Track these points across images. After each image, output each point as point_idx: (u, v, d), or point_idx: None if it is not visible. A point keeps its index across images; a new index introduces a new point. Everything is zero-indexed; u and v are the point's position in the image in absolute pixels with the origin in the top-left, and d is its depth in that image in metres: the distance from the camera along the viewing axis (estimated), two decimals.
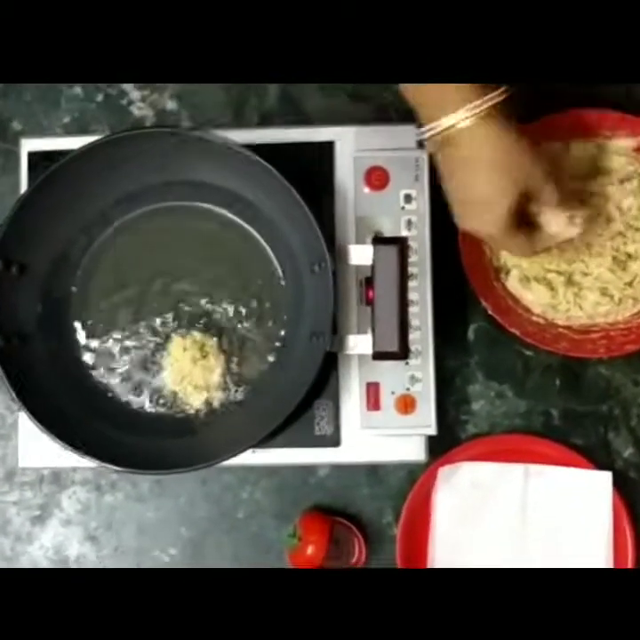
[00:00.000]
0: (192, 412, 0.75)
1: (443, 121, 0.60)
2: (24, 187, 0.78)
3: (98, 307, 0.77)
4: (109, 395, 0.76)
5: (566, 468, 0.77)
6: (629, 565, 0.76)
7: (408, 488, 0.79)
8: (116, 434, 0.74)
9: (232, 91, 0.84)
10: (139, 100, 0.85)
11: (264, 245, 0.76)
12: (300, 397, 0.68)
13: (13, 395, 0.70)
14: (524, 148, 0.61)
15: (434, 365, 0.73)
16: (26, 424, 0.74)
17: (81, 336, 0.77)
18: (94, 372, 0.76)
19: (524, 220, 0.65)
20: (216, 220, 0.76)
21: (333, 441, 0.75)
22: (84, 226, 0.76)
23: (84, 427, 0.73)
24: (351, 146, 0.76)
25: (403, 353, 0.63)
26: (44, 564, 0.82)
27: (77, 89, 0.86)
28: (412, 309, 0.71)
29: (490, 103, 0.59)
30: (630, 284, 0.76)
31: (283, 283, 0.76)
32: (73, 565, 0.82)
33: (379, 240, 0.64)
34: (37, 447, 0.75)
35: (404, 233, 0.74)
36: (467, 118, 0.59)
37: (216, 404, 0.75)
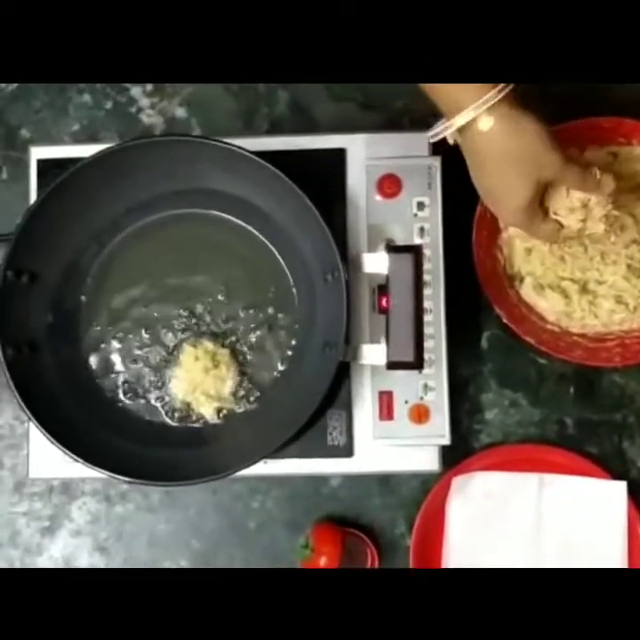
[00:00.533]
0: (203, 422, 0.75)
1: (456, 119, 0.60)
2: (33, 195, 0.78)
3: (108, 315, 0.76)
4: (120, 405, 0.76)
5: (581, 477, 0.77)
6: None
7: (421, 498, 0.78)
8: (126, 445, 0.73)
9: (242, 98, 0.84)
10: (148, 108, 0.85)
11: (276, 254, 0.75)
12: (313, 408, 0.68)
13: (22, 405, 0.69)
14: (535, 137, 0.61)
15: (447, 374, 0.73)
16: (36, 435, 0.73)
17: (91, 345, 0.76)
18: (104, 383, 0.76)
19: None
20: (227, 229, 0.76)
21: (346, 451, 0.74)
22: (95, 234, 0.76)
23: (94, 437, 0.73)
24: (363, 153, 0.76)
25: (418, 363, 0.63)
26: None
27: (86, 96, 0.85)
28: (426, 318, 0.70)
29: (495, 99, 0.59)
30: None
31: (295, 291, 0.75)
32: None
33: (393, 248, 0.64)
34: (48, 458, 0.75)
35: (416, 240, 0.73)
36: (475, 116, 0.59)
37: (228, 414, 0.75)
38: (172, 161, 0.72)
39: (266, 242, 0.76)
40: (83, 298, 0.76)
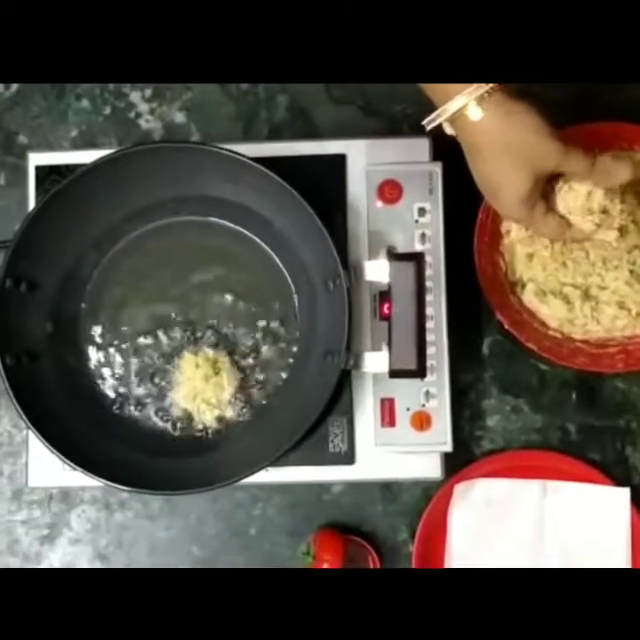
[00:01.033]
0: (204, 430, 0.74)
1: (446, 106, 0.59)
2: (32, 201, 0.78)
3: (108, 323, 0.76)
4: (119, 413, 0.75)
5: (583, 484, 0.76)
6: None
7: (423, 505, 0.78)
8: (126, 453, 0.73)
9: (241, 103, 0.83)
10: (147, 113, 0.84)
11: (277, 261, 0.75)
12: (314, 416, 0.67)
13: (22, 414, 0.68)
14: (529, 126, 0.59)
15: (449, 381, 0.72)
16: (35, 443, 0.73)
17: (90, 353, 0.76)
18: (104, 391, 0.75)
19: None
20: (228, 236, 0.75)
21: (348, 458, 0.74)
22: (94, 242, 0.75)
23: (94, 446, 0.72)
24: (363, 159, 0.75)
25: (421, 371, 0.62)
26: None
27: (85, 101, 0.85)
28: (427, 324, 0.70)
29: (483, 89, 0.58)
30: None
31: (296, 298, 0.75)
32: None
33: (395, 256, 0.63)
34: (47, 466, 0.74)
35: (417, 247, 0.73)
36: (464, 105, 0.58)
37: (229, 422, 0.74)
38: (173, 168, 0.72)
39: (266, 248, 0.75)
40: (82, 305, 0.76)
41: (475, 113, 0.58)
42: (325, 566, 0.75)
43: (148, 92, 0.84)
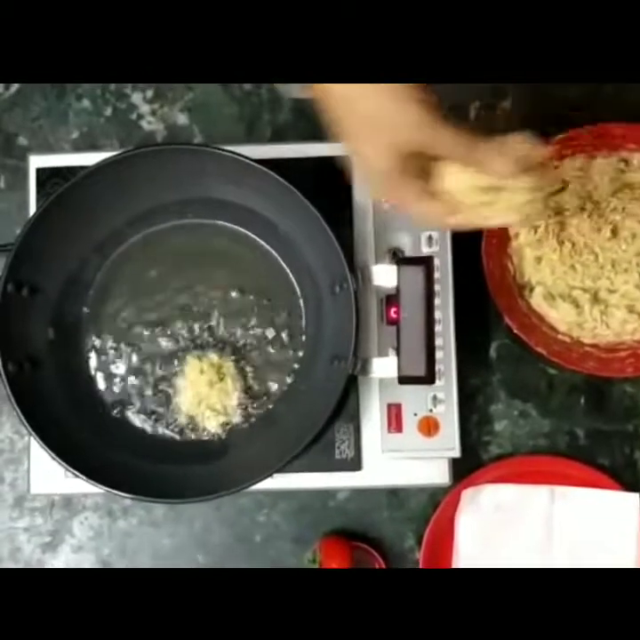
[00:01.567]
0: (209, 436, 0.73)
1: None
2: (32, 204, 0.77)
3: (110, 328, 0.75)
4: (123, 420, 0.74)
5: (592, 489, 0.75)
6: None
7: (430, 511, 0.77)
8: (130, 460, 0.72)
9: (244, 104, 0.82)
10: (149, 114, 0.83)
11: (282, 264, 0.74)
12: (321, 422, 0.66)
13: (24, 422, 0.67)
14: (391, 94, 0.53)
15: (457, 386, 0.71)
16: (37, 450, 0.72)
17: (93, 359, 0.75)
18: (107, 397, 0.74)
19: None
20: (233, 239, 0.74)
21: (354, 465, 0.73)
22: (97, 245, 0.74)
23: (97, 453, 0.71)
24: None
25: (430, 377, 0.61)
26: None
27: (85, 102, 0.84)
28: (435, 328, 0.69)
29: None
30: None
31: (302, 303, 0.74)
32: None
33: (404, 260, 0.62)
34: (49, 473, 0.74)
35: (424, 249, 0.72)
36: None
37: (234, 428, 0.73)
38: (176, 170, 0.70)
39: (271, 251, 0.74)
40: (85, 310, 0.75)
41: None
42: None
43: (150, 93, 0.83)
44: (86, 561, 0.80)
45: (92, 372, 0.74)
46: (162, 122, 0.83)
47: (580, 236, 0.74)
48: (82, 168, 0.69)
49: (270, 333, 0.74)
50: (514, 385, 0.79)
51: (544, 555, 0.76)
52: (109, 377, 0.75)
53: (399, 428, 0.72)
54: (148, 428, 0.74)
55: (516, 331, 0.72)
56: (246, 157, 0.67)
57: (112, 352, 0.75)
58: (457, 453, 0.72)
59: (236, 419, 0.73)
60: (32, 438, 0.72)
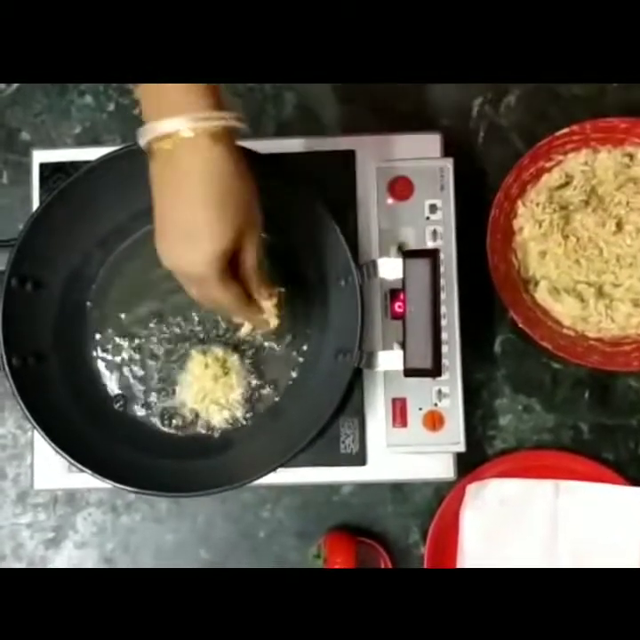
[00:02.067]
0: (213, 431, 0.73)
1: (165, 124, 0.51)
2: (36, 199, 0.76)
3: (114, 323, 0.74)
4: (127, 414, 0.74)
5: (597, 483, 0.75)
6: None
7: (434, 506, 0.77)
8: (134, 455, 0.71)
9: (248, 100, 0.82)
10: None
11: (287, 257, 0.74)
12: (326, 416, 0.66)
13: (28, 416, 0.67)
14: (249, 183, 0.54)
15: (462, 380, 0.71)
16: (41, 445, 0.72)
17: (97, 353, 0.74)
18: (111, 391, 0.74)
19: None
20: None
21: (359, 459, 0.73)
22: (101, 240, 0.74)
23: (101, 447, 0.71)
24: (373, 155, 0.74)
25: (436, 370, 0.61)
26: None
27: (88, 98, 0.83)
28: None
29: (224, 123, 0.52)
30: None
31: (306, 297, 0.73)
32: None
33: (410, 253, 0.62)
34: (53, 468, 0.74)
35: (429, 244, 0.72)
36: (195, 128, 0.51)
37: (238, 422, 0.73)
38: None
39: (276, 244, 0.74)
40: (88, 305, 0.74)
41: (201, 139, 0.51)
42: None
43: None
44: (89, 557, 0.80)
45: (96, 367, 0.74)
46: None
47: (584, 230, 0.74)
48: (85, 163, 0.69)
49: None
50: (518, 379, 0.79)
51: (549, 549, 0.75)
52: (113, 371, 0.74)
53: (404, 423, 0.72)
54: (152, 422, 0.74)
55: (521, 325, 0.72)
56: (251, 150, 0.67)
57: (116, 346, 0.74)
58: (462, 448, 0.71)
59: (241, 413, 0.73)
60: (35, 433, 0.72)
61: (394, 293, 0.71)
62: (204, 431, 0.73)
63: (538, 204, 0.75)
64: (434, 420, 0.71)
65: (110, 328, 0.75)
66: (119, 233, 0.74)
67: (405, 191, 0.73)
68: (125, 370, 0.74)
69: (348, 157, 0.75)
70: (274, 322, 0.63)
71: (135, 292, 0.75)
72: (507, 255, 0.75)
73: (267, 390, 0.73)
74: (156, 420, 0.74)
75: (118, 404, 0.74)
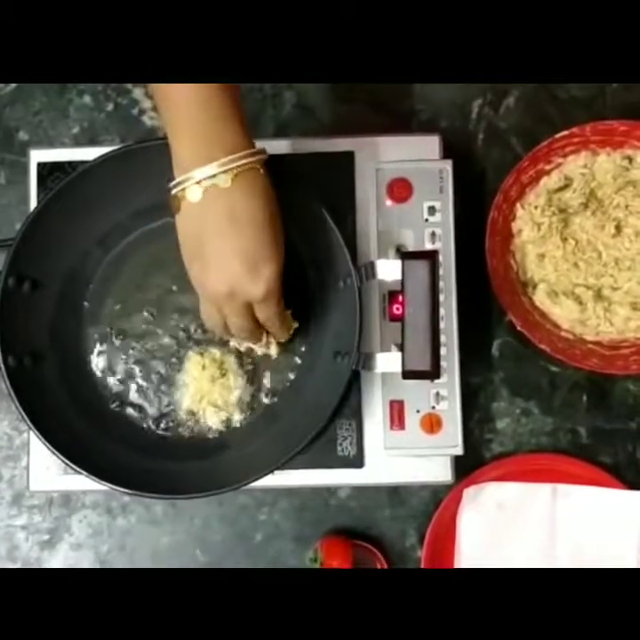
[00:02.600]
0: (210, 433, 0.73)
1: (214, 164, 0.55)
2: (33, 199, 0.76)
3: (112, 323, 0.74)
4: (123, 415, 0.73)
5: (595, 487, 0.75)
6: None
7: (431, 509, 0.76)
8: (130, 456, 0.71)
9: (247, 100, 0.82)
10: (150, 110, 0.82)
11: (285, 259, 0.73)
12: (324, 419, 0.66)
13: (24, 417, 0.67)
14: (279, 212, 0.59)
15: (460, 382, 0.71)
16: (37, 446, 0.71)
17: (94, 354, 0.74)
18: (107, 392, 0.74)
19: None
20: None
21: (357, 462, 0.73)
22: (98, 240, 0.73)
23: (98, 449, 0.70)
24: (372, 157, 0.74)
25: (435, 372, 0.61)
26: None
27: (86, 98, 0.83)
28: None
29: (261, 157, 0.58)
30: None
31: (305, 298, 0.73)
32: None
33: (409, 254, 0.62)
34: (49, 470, 0.73)
35: (427, 246, 0.72)
36: (240, 166, 0.56)
37: (235, 424, 0.73)
38: None
39: None
40: (85, 305, 0.74)
41: (240, 177, 0.56)
42: None
43: None
44: (85, 559, 0.79)
45: (93, 367, 0.74)
46: None
47: (583, 233, 0.74)
48: (83, 163, 0.69)
49: None
50: (516, 383, 0.78)
51: (546, 553, 0.75)
52: (110, 372, 0.74)
53: (401, 425, 0.71)
54: (148, 423, 0.73)
55: (519, 328, 0.72)
56: None
57: (113, 347, 0.74)
58: (460, 451, 0.71)
59: (238, 415, 0.73)
60: (31, 434, 0.72)
61: (392, 295, 0.71)
62: (200, 433, 0.73)
63: (537, 207, 0.75)
64: (431, 423, 0.71)
65: (107, 328, 0.74)
66: (117, 233, 0.74)
67: (404, 193, 0.72)
68: (122, 371, 0.74)
69: (347, 158, 0.75)
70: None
71: (133, 292, 0.74)
72: (505, 258, 0.75)
73: (264, 392, 0.73)
74: (152, 422, 0.73)
75: (115, 405, 0.74)
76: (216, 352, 0.73)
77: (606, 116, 0.74)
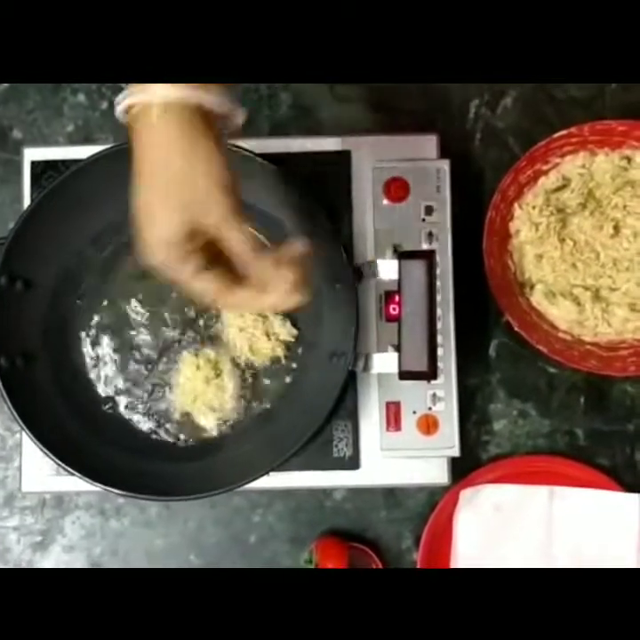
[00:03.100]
0: (204, 434, 0.72)
1: (137, 90, 0.50)
2: (27, 197, 0.75)
3: (105, 323, 0.74)
4: (117, 416, 0.73)
5: (592, 490, 0.75)
6: None
7: (428, 511, 0.76)
8: (123, 458, 0.71)
9: (243, 99, 0.81)
10: None
11: None
12: (320, 420, 0.65)
13: (17, 418, 0.66)
14: (205, 160, 0.50)
15: (457, 383, 0.71)
16: (29, 447, 0.71)
17: (87, 355, 0.73)
18: (100, 393, 0.73)
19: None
20: None
21: (352, 463, 0.72)
22: (92, 239, 0.73)
23: (91, 450, 0.70)
24: (368, 156, 0.74)
25: (432, 373, 0.60)
26: None
27: (81, 96, 0.82)
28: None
29: (187, 96, 0.50)
30: None
31: None
32: None
33: (406, 254, 0.62)
34: (41, 471, 0.73)
35: (424, 246, 0.71)
36: (157, 99, 0.50)
37: (230, 425, 0.72)
38: None
39: (270, 246, 0.73)
40: (78, 304, 0.74)
41: (161, 113, 0.49)
42: None
43: None
44: (77, 561, 0.79)
45: (86, 368, 0.73)
46: None
47: (581, 233, 0.74)
48: (77, 161, 0.69)
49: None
50: (513, 384, 0.78)
51: (543, 556, 0.75)
52: (103, 373, 0.73)
53: (398, 427, 0.71)
54: (142, 424, 0.73)
55: (517, 328, 0.71)
56: (245, 150, 0.67)
57: (106, 347, 0.73)
58: (456, 452, 0.71)
59: (233, 416, 0.72)
60: (23, 435, 0.71)
61: (389, 295, 0.71)
62: (194, 434, 0.72)
63: (534, 207, 0.74)
64: (428, 424, 0.71)
65: (101, 328, 0.74)
66: (110, 232, 0.73)
67: (401, 192, 0.72)
68: (116, 371, 0.73)
69: (344, 158, 0.74)
70: (300, 296, 0.54)
71: (127, 291, 0.74)
72: (503, 258, 0.74)
73: (259, 393, 0.73)
74: (146, 423, 0.73)
75: (108, 406, 0.73)
76: (211, 352, 0.72)
77: (604, 116, 0.74)
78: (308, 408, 0.68)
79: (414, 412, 0.71)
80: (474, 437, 0.78)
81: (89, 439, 0.71)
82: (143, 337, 0.74)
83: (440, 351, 0.69)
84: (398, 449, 0.71)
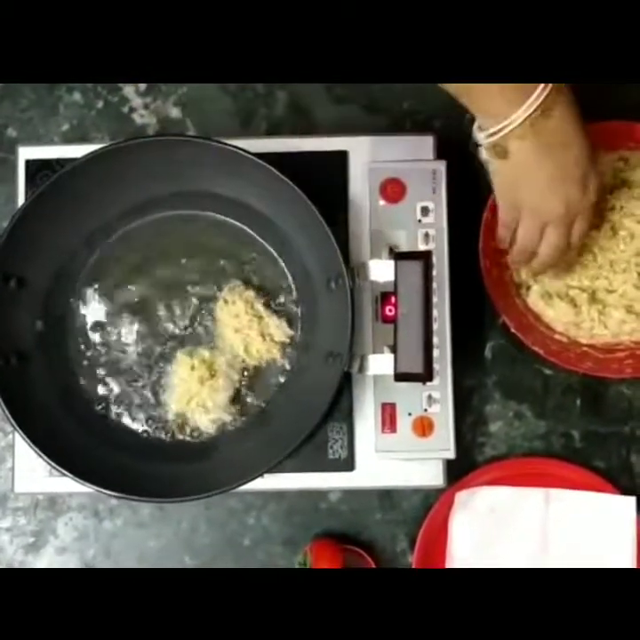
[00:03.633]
0: (199, 435, 0.72)
1: (514, 116, 0.58)
2: (21, 196, 0.75)
3: (99, 322, 0.73)
4: (111, 417, 0.73)
5: (588, 492, 0.74)
6: None
7: (423, 514, 0.75)
8: (117, 459, 0.70)
9: (239, 99, 0.81)
10: (141, 108, 0.82)
11: (277, 259, 0.73)
12: (315, 421, 0.65)
13: (9, 418, 0.66)
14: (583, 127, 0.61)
15: (452, 385, 0.70)
16: (22, 448, 0.70)
17: (81, 354, 0.73)
18: (94, 393, 0.73)
19: None
20: (226, 233, 0.73)
21: (347, 465, 0.72)
22: (86, 237, 0.73)
23: (84, 451, 0.70)
24: (365, 156, 0.74)
25: (427, 375, 0.60)
26: None
27: (76, 95, 0.82)
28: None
29: (547, 92, 0.57)
30: None
31: (296, 298, 0.72)
32: None
33: (402, 255, 0.61)
34: (34, 472, 0.72)
35: (421, 247, 0.71)
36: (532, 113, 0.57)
37: (225, 427, 0.72)
38: (169, 162, 0.69)
39: (266, 246, 0.73)
40: (72, 303, 0.73)
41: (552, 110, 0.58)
42: None
43: (142, 87, 0.82)
44: (70, 562, 0.78)
45: (80, 368, 0.73)
46: (154, 115, 0.81)
47: None
48: (72, 160, 0.68)
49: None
50: (509, 385, 0.78)
51: (539, 558, 0.74)
52: (98, 373, 0.73)
53: (393, 428, 0.71)
54: (136, 425, 0.72)
55: (513, 330, 0.71)
56: (242, 149, 0.66)
57: (100, 346, 0.73)
58: (452, 454, 0.70)
59: (227, 417, 0.72)
60: (16, 436, 0.70)
61: (384, 296, 0.70)
62: (188, 435, 0.72)
63: None
64: (423, 426, 0.70)
65: (95, 327, 0.73)
66: (105, 231, 0.73)
67: (397, 193, 0.72)
68: (110, 371, 0.73)
69: (341, 158, 0.74)
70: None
71: (120, 290, 0.73)
72: (499, 259, 0.74)
73: (255, 393, 0.72)
74: (139, 424, 0.72)
75: (101, 407, 0.73)
76: (205, 353, 0.72)
77: (602, 117, 0.73)
78: (303, 409, 0.68)
79: (410, 414, 0.71)
80: (469, 439, 0.77)
81: (82, 440, 0.70)
82: (137, 336, 0.73)
83: (436, 353, 0.69)
84: (393, 451, 0.71)
